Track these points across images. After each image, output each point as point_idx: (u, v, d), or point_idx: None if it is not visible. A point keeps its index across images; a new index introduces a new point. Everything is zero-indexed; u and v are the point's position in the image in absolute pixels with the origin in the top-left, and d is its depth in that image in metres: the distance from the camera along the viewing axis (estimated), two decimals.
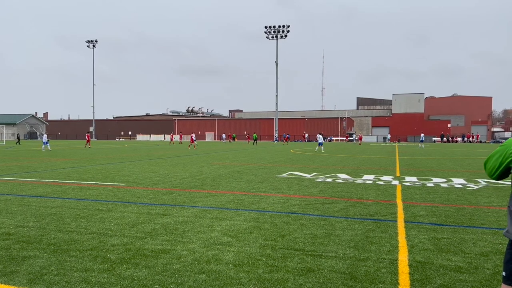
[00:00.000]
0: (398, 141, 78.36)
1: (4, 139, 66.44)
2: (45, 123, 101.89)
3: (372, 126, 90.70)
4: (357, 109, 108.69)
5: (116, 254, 4.95)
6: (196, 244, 5.40)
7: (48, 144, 35.04)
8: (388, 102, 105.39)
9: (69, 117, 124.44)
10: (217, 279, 4.18)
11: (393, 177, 13.87)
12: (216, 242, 5.52)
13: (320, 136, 35.20)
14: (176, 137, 67.09)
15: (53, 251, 5.06)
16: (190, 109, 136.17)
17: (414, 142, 75.43)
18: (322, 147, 34.25)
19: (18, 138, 56.71)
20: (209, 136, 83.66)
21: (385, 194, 9.89)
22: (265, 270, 4.43)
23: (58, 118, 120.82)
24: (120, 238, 5.71)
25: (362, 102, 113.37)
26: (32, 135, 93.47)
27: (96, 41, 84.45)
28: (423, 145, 46.71)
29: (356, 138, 75.82)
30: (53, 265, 4.56)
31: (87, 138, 41.44)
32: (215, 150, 36.38)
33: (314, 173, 14.90)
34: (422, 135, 49.72)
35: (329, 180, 12.84)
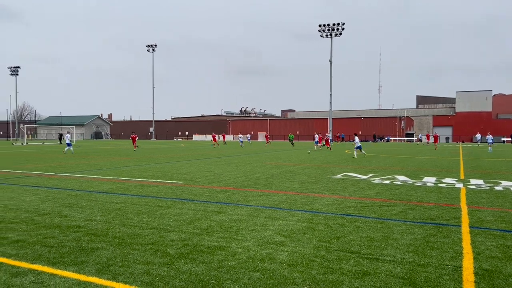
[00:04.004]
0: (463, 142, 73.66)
1: (74, 139, 71.84)
2: (110, 124, 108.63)
3: (434, 126, 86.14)
4: (417, 107, 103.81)
5: (175, 249, 5.17)
6: (250, 242, 5.48)
7: (71, 146, 29.32)
8: (451, 100, 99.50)
9: (131, 118, 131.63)
10: (271, 277, 4.22)
11: (456, 179, 13.08)
12: (269, 241, 5.57)
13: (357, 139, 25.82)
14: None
15: (118, 244, 5.40)
16: (243, 109, 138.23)
17: (481, 142, 70.40)
18: (362, 151, 25.35)
19: (60, 137, 59.73)
20: (262, 136, 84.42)
21: (448, 198, 9.35)
22: (319, 271, 4.39)
23: (121, 119, 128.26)
24: (179, 233, 5.95)
25: (422, 100, 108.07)
26: (98, 135, 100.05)
27: (155, 45, 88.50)
28: (491, 148, 35.63)
29: (421, 138, 72.29)
30: (118, 257, 4.86)
31: (132, 140, 36.09)
32: (267, 150, 36.55)
33: (371, 175, 14.47)
34: (489, 136, 37.78)
35: (387, 182, 12.40)
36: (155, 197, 9.27)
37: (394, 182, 12.20)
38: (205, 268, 4.48)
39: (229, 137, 69.09)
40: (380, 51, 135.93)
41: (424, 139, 62.82)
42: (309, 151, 29.65)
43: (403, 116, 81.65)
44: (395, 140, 76.41)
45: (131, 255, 4.92)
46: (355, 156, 24.16)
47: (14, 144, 53.97)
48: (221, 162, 20.35)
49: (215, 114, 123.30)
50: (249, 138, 58.86)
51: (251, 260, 4.75)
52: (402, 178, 13.40)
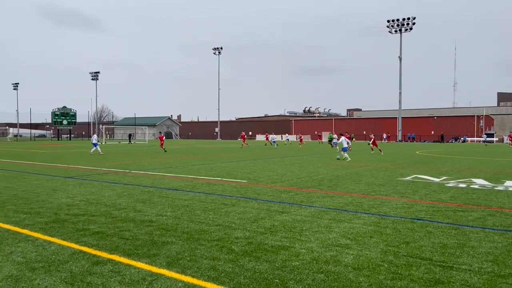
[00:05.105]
0: None
1: (147, 139, 76.41)
2: (179, 124, 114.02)
3: None
4: (498, 105, 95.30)
5: (239, 247, 5.29)
6: (314, 244, 5.42)
7: (97, 146, 27.31)
8: None
9: (198, 119, 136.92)
10: (335, 280, 4.14)
11: None
12: (334, 243, 5.46)
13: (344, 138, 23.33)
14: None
15: (186, 239, 5.64)
16: (306, 109, 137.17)
17: None
18: (345, 153, 22.85)
19: (129, 137, 63.17)
20: (325, 137, 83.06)
21: None
22: (387, 277, 4.22)
23: (189, 119, 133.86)
24: (243, 231, 6.07)
25: (504, 97, 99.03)
26: (168, 135, 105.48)
27: (221, 48, 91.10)
28: None
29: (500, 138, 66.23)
30: (186, 251, 5.09)
31: (160, 140, 33.40)
32: (331, 150, 35.87)
33: (444, 177, 13.57)
34: None
35: (463, 185, 11.55)
36: (220, 195, 9.55)
37: (471, 186, 11.33)
38: (269, 267, 4.52)
39: (292, 137, 68.93)
40: (455, 45, 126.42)
41: (506, 140, 57.32)
42: (338, 157, 24.00)
43: (482, 115, 75.41)
44: (472, 141, 70.81)
45: (199, 250, 5.12)
46: (346, 158, 22.30)
47: None
48: (284, 162, 20.38)
49: (278, 114, 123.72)
50: (288, 138, 58.49)
51: (315, 262, 4.70)
52: (480, 181, 12.39)
